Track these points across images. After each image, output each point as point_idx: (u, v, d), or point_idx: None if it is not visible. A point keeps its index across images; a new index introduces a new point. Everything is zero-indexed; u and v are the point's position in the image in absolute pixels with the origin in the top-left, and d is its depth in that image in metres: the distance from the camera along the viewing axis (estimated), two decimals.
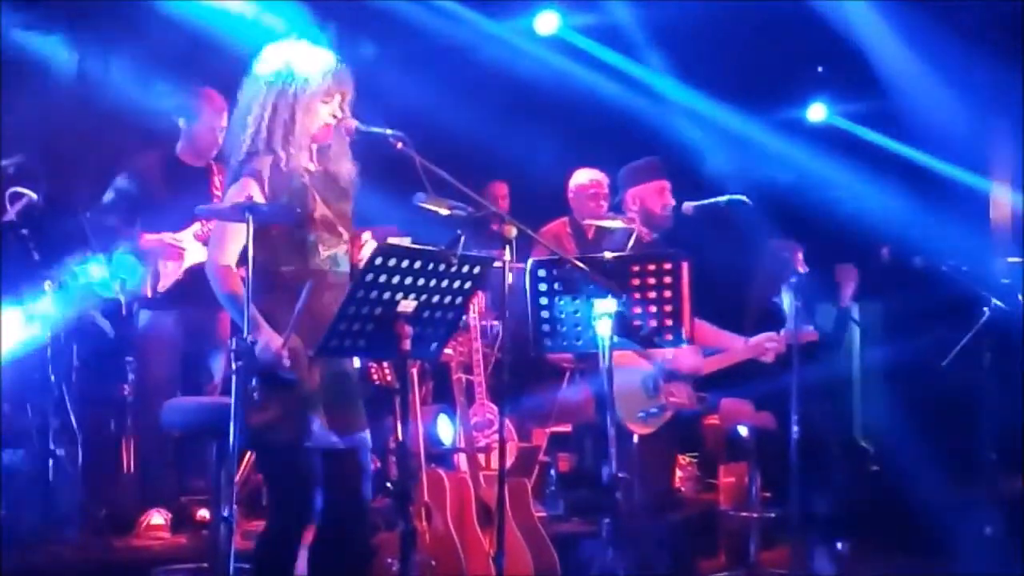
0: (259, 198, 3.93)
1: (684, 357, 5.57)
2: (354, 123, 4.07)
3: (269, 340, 3.81)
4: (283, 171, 3.98)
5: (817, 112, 9.01)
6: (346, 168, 4.13)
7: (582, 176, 7.06)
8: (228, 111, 5.48)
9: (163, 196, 5.62)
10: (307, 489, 3.93)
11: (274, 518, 4.09)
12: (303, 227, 3.98)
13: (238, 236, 3.90)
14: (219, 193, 5.19)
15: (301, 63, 4.02)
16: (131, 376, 6.01)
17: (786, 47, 8.26)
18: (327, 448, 3.94)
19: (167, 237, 5.54)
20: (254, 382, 3.78)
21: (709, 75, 8.35)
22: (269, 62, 4.06)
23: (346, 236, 4.09)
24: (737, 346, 5.81)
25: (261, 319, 3.86)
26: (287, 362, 3.81)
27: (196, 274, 5.26)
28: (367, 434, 4.09)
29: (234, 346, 3.79)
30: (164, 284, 5.58)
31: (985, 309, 6.66)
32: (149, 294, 5.61)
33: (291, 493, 3.97)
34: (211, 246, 4.05)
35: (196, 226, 5.52)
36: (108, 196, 5.70)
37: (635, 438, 5.47)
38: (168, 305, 5.63)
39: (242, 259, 3.90)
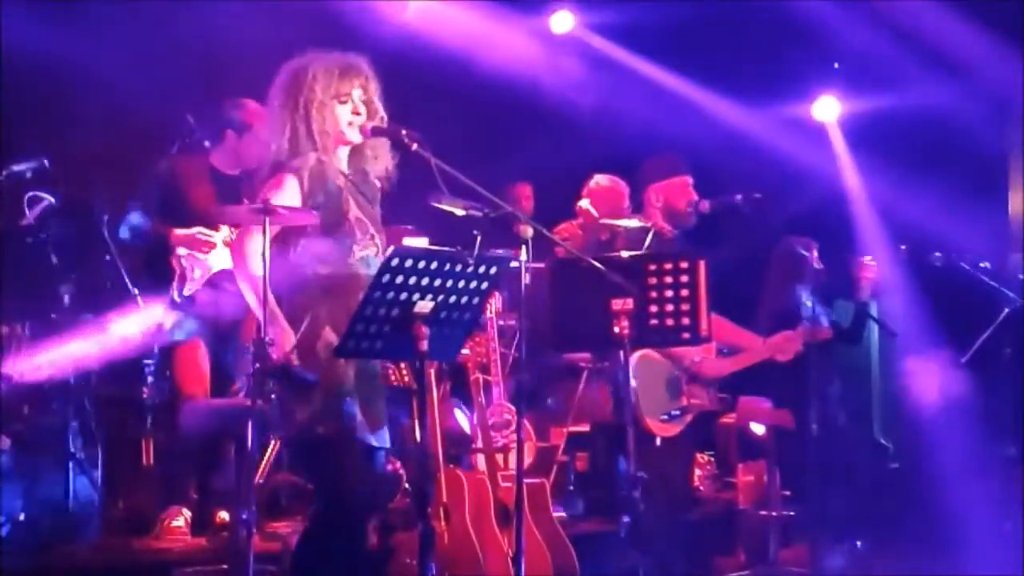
0: (295, 195, 3.97)
1: (709, 363, 5.56)
2: (369, 123, 4.09)
3: (282, 339, 3.85)
4: (318, 173, 4.01)
5: (828, 107, 8.95)
6: (382, 168, 4.16)
7: (602, 180, 7.02)
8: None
9: (195, 200, 5.63)
10: (353, 481, 3.94)
11: (320, 512, 4.07)
12: (339, 227, 4.01)
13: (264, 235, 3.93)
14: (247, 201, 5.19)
15: (305, 75, 4.05)
16: (150, 378, 6.03)
17: (799, 42, 8.24)
18: (362, 445, 3.97)
19: (198, 231, 5.55)
20: (271, 384, 3.81)
21: (719, 70, 8.33)
22: (278, 83, 4.10)
23: (378, 239, 4.11)
24: (756, 346, 5.79)
25: (280, 315, 3.89)
26: (295, 361, 3.83)
27: (221, 279, 5.29)
28: (387, 435, 4.12)
29: (252, 348, 3.82)
30: (190, 288, 5.59)
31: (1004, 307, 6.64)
32: (176, 298, 5.62)
33: (337, 484, 3.96)
34: (239, 248, 4.06)
35: (225, 231, 5.52)
36: (142, 192, 5.72)
37: (658, 440, 5.47)
38: (192, 308, 5.63)
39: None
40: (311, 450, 4.06)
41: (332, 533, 3.97)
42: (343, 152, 4.12)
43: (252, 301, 3.97)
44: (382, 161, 4.16)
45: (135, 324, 5.57)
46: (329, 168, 4.04)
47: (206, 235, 5.52)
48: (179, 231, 5.56)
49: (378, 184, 4.20)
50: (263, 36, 6.15)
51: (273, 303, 3.89)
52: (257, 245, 3.94)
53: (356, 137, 4.10)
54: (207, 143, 5.83)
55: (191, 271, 5.54)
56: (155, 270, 5.63)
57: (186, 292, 5.58)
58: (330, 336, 3.90)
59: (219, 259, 5.51)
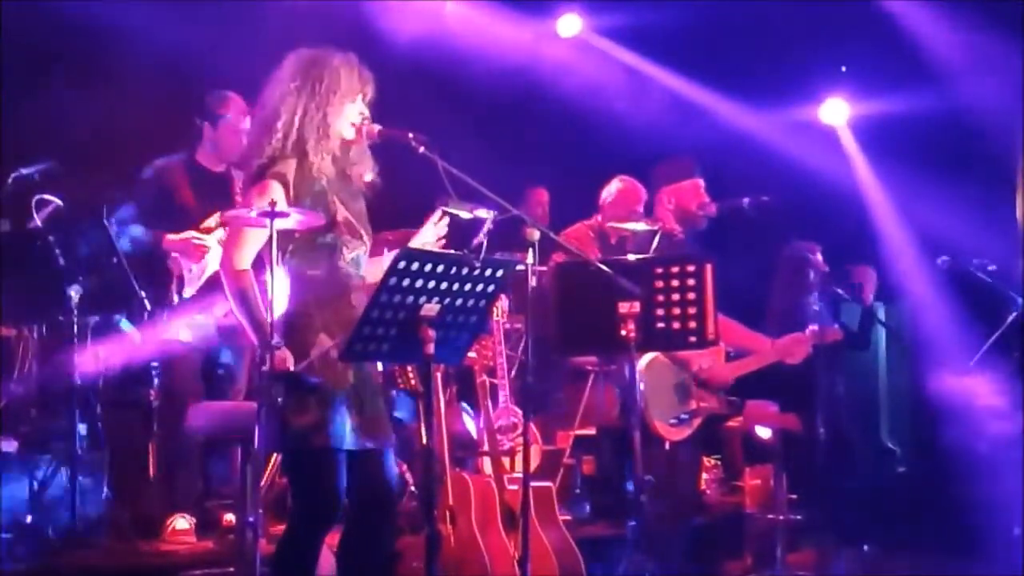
0: (283, 201, 3.93)
1: (717, 370, 5.55)
2: (377, 126, 4.09)
3: (284, 358, 3.83)
4: (306, 174, 3.99)
5: (836, 110, 8.93)
6: (365, 169, 4.14)
7: (618, 183, 7.00)
8: (250, 114, 5.50)
9: (185, 201, 5.62)
10: (333, 493, 3.93)
11: (297, 520, 4.07)
12: (328, 230, 4.00)
13: (255, 239, 3.92)
14: (240, 198, 5.18)
15: (328, 64, 4.04)
16: (156, 381, 6.03)
17: (806, 45, 8.23)
18: (359, 450, 3.95)
19: (191, 236, 5.54)
20: (278, 387, 3.80)
21: (726, 73, 8.33)
22: (294, 65, 4.07)
23: (367, 237, 4.10)
24: (764, 348, 5.79)
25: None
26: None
27: (220, 280, 5.27)
28: (392, 437, 4.10)
29: (259, 350, 3.81)
30: (189, 290, 5.59)
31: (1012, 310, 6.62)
32: (175, 300, 5.63)
33: (318, 496, 3.96)
34: (227, 248, 4.04)
35: (220, 232, 5.51)
36: (130, 199, 5.71)
37: (667, 444, 5.45)
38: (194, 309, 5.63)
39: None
40: (296, 458, 4.02)
41: (303, 544, 3.97)
42: (329, 155, 4.08)
43: (234, 300, 3.94)
44: (362, 166, 4.13)
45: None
46: (314, 169, 4.00)
47: (199, 240, 5.50)
48: (171, 236, 5.55)
49: (363, 179, 4.16)
50: (276, 36, 6.15)
51: (262, 313, 3.85)
52: (247, 246, 3.93)
53: (357, 138, 4.09)
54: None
55: (189, 272, 5.54)
56: (153, 274, 5.63)
57: (185, 294, 5.58)
58: (326, 342, 3.88)
59: (216, 260, 5.50)
